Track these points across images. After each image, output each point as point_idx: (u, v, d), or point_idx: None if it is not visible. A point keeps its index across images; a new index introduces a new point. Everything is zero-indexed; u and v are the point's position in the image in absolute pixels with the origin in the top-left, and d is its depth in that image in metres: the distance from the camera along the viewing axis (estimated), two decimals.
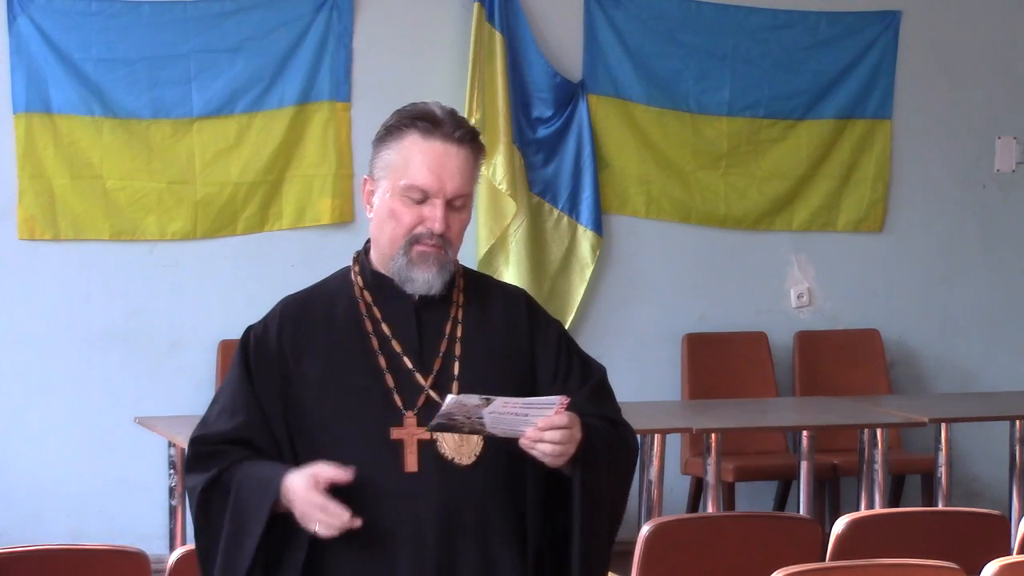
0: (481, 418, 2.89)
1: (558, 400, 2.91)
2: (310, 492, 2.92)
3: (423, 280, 3.04)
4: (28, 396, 7.17)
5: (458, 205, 3.06)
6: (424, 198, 3.03)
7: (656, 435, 6.47)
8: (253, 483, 2.98)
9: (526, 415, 2.90)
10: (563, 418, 2.93)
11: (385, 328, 3.07)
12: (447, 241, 3.05)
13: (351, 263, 3.16)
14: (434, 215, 3.03)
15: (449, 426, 2.91)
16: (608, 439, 3.07)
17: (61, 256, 7.19)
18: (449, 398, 2.86)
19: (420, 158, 3.03)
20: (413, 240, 3.04)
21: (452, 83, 7.47)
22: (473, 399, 2.86)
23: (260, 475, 2.99)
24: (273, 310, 3.14)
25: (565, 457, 2.96)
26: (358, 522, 2.92)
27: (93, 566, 3.98)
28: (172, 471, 6.16)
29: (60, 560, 4.01)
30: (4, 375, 7.15)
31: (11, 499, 7.13)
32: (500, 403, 2.87)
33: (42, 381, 7.18)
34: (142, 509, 7.13)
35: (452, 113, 3.07)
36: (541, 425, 2.91)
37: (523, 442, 2.94)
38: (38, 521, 7.11)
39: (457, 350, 3.07)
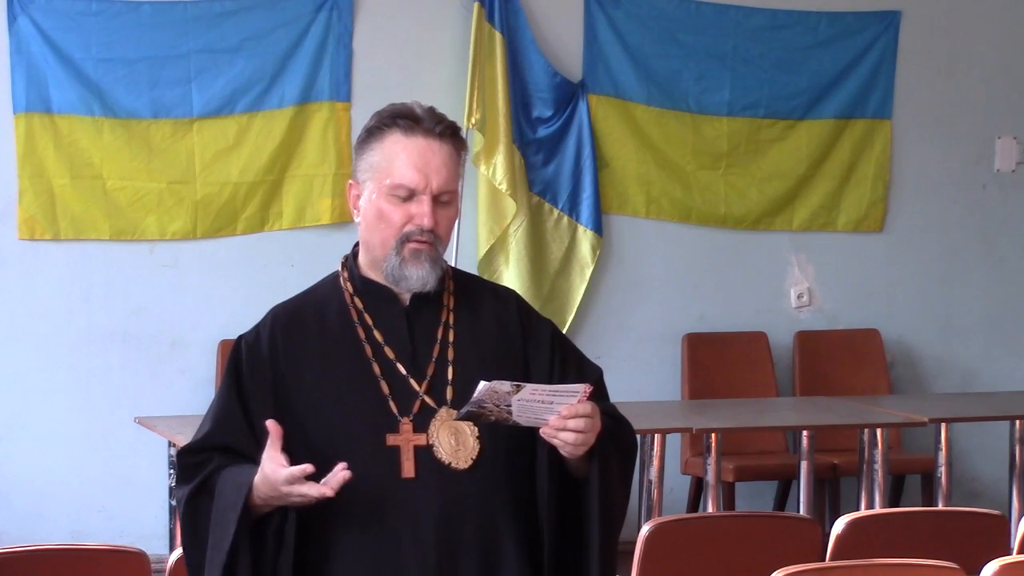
0: (509, 406, 2.89)
1: (582, 388, 2.91)
2: (275, 474, 2.89)
3: (417, 277, 3.04)
4: (28, 396, 7.17)
5: (445, 200, 3.06)
6: (410, 195, 3.03)
7: (656, 435, 6.48)
8: (230, 486, 2.98)
9: (551, 403, 2.89)
10: (586, 406, 2.93)
11: (377, 335, 3.07)
12: (437, 237, 3.04)
13: (339, 268, 3.15)
14: (422, 211, 3.02)
15: (478, 414, 2.91)
16: (614, 434, 3.08)
17: (61, 256, 7.19)
18: (481, 385, 2.85)
19: (404, 156, 3.03)
20: (404, 239, 3.03)
21: (452, 83, 7.47)
22: (504, 386, 2.85)
23: (236, 478, 2.98)
24: (264, 319, 3.13)
25: (586, 446, 2.96)
26: (329, 491, 2.87)
27: (93, 566, 3.98)
28: (172, 471, 6.15)
29: (60, 560, 4.01)
30: (4, 375, 7.15)
31: (11, 499, 7.13)
32: (529, 390, 2.87)
33: (42, 381, 7.18)
34: (142, 509, 7.14)
35: (431, 110, 3.07)
36: (565, 413, 2.91)
37: (545, 431, 2.93)
38: (38, 521, 7.12)
39: (450, 354, 3.06)
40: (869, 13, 8.09)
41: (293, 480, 2.88)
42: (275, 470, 2.89)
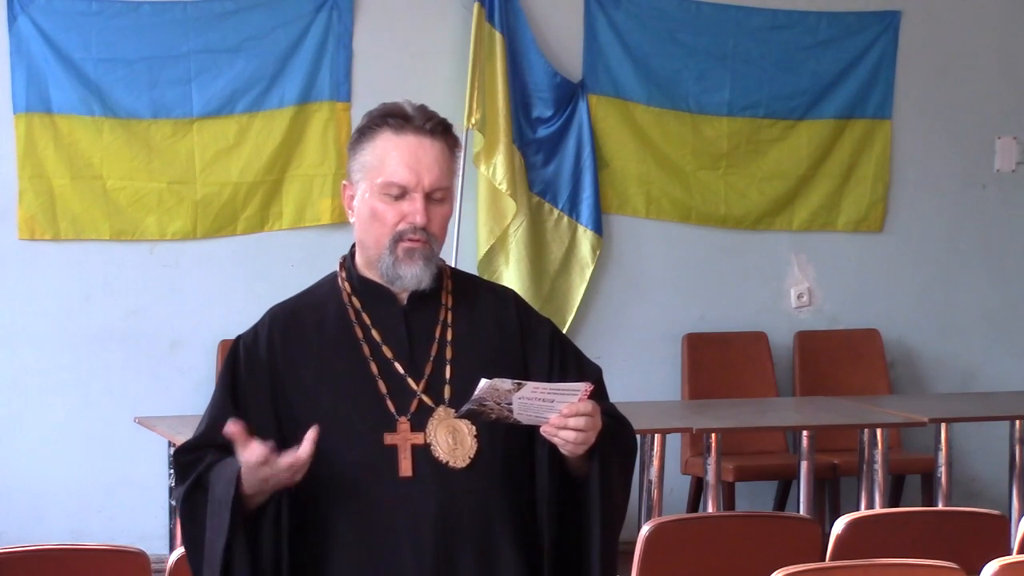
0: (510, 404, 2.88)
1: (583, 386, 2.91)
2: (255, 462, 2.89)
3: (411, 275, 3.03)
4: (28, 396, 7.17)
5: (438, 197, 3.05)
6: (403, 193, 3.03)
7: (656, 435, 6.47)
8: (222, 480, 2.97)
9: (552, 401, 2.89)
10: (587, 405, 2.92)
11: (375, 334, 3.07)
12: (431, 235, 3.04)
13: (337, 268, 3.15)
14: (414, 208, 3.02)
15: (479, 412, 2.90)
16: (615, 433, 3.08)
17: (61, 256, 7.19)
18: (482, 383, 2.85)
19: (395, 154, 3.03)
20: (397, 238, 3.03)
21: (452, 83, 7.47)
22: (506, 383, 2.85)
23: (226, 472, 2.97)
24: (262, 319, 3.13)
25: (586, 445, 2.95)
26: (304, 453, 2.87)
27: (93, 566, 3.98)
28: (172, 471, 6.15)
29: (60, 560, 4.01)
30: (4, 375, 7.15)
31: (11, 499, 7.13)
32: (530, 388, 2.87)
33: (42, 381, 7.18)
34: (142, 509, 7.14)
35: (422, 108, 3.07)
36: (566, 412, 2.91)
37: (546, 429, 2.93)
38: (38, 521, 7.12)
39: (448, 353, 3.06)
40: (869, 13, 8.09)
41: (262, 460, 2.86)
42: (245, 457, 2.88)
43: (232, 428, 2.90)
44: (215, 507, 2.97)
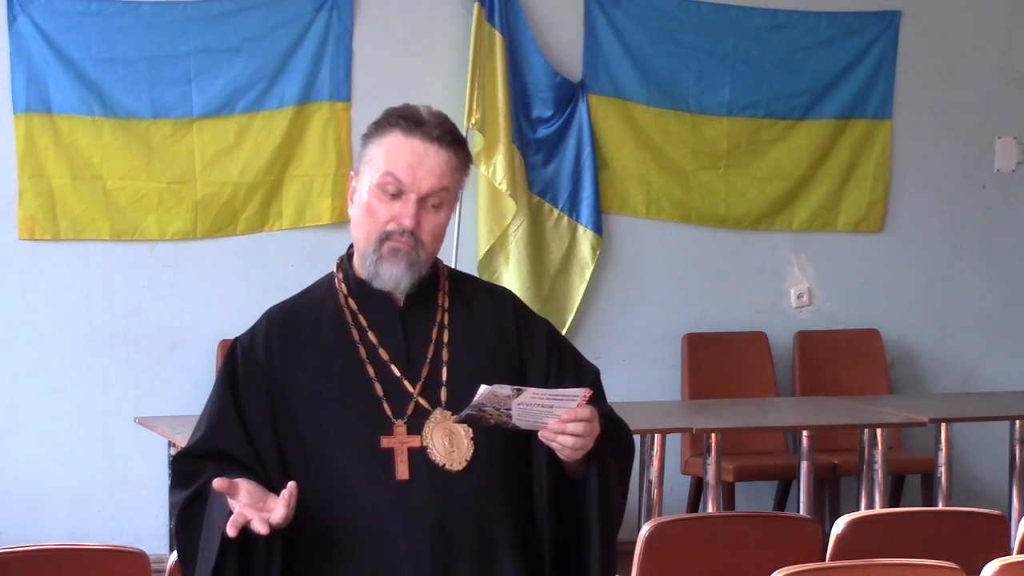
0: (509, 409, 2.88)
1: (582, 392, 2.91)
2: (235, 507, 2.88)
3: (390, 276, 3.02)
4: (28, 396, 7.17)
5: (434, 204, 3.04)
6: (398, 191, 3.02)
7: (656, 435, 6.47)
8: (217, 505, 2.95)
9: (551, 407, 2.89)
10: (585, 411, 2.92)
11: (372, 336, 3.06)
12: (419, 241, 3.03)
13: (335, 269, 3.15)
14: (405, 211, 3.01)
15: (478, 417, 2.90)
16: (612, 436, 3.08)
17: (61, 256, 7.19)
18: (482, 389, 2.84)
19: (398, 152, 3.03)
20: (384, 237, 3.02)
21: (452, 83, 7.47)
22: (505, 390, 2.85)
23: (223, 499, 2.95)
24: (259, 321, 3.13)
25: (584, 450, 2.95)
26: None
27: (93, 566, 3.97)
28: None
29: (60, 560, 4.00)
30: (4, 375, 7.15)
31: (11, 499, 7.13)
32: (529, 394, 2.87)
33: (42, 381, 7.18)
34: (142, 509, 7.14)
35: (438, 115, 3.07)
36: (564, 417, 2.90)
37: (544, 434, 2.93)
38: (38, 521, 7.12)
39: (444, 355, 3.06)
40: (869, 13, 8.09)
41: (236, 524, 2.84)
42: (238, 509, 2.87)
43: (219, 485, 2.86)
44: (209, 528, 2.95)
